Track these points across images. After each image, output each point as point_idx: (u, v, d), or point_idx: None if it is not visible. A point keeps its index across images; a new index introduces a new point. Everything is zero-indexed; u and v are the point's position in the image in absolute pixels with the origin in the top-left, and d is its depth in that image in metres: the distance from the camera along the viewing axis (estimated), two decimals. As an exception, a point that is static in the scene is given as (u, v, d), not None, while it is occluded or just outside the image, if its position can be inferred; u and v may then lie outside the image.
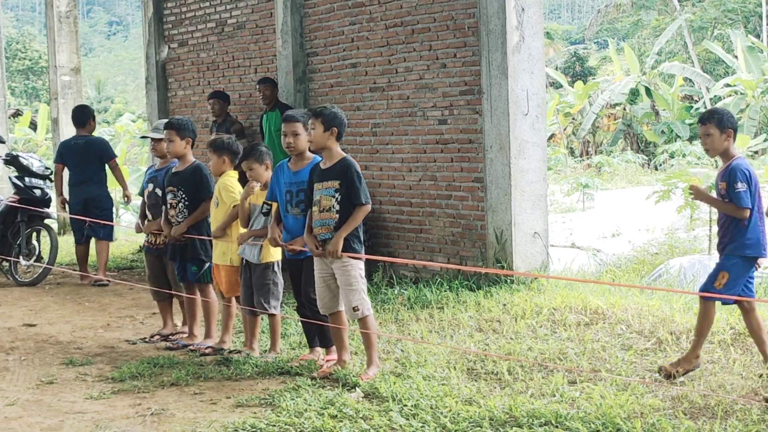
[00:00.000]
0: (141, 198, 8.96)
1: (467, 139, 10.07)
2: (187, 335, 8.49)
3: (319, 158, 7.21)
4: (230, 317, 8.20)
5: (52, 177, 12.48)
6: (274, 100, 12.16)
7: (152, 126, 8.92)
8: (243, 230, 7.79)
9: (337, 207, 6.88)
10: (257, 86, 12.36)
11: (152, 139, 8.97)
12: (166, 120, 9.22)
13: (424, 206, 10.63)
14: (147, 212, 8.74)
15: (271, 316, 7.77)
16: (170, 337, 8.63)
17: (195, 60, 14.25)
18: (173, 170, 8.41)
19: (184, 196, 8.24)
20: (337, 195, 6.88)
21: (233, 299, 8.15)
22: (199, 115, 13.76)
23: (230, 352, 7.86)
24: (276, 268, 7.73)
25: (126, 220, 21.36)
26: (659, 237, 13.56)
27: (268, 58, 12.84)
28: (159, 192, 8.58)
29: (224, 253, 8.01)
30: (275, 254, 7.69)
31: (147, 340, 8.65)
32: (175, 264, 8.46)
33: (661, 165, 33.50)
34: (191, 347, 8.18)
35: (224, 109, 12.69)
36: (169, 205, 8.31)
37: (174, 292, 8.64)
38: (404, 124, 10.82)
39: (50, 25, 17.49)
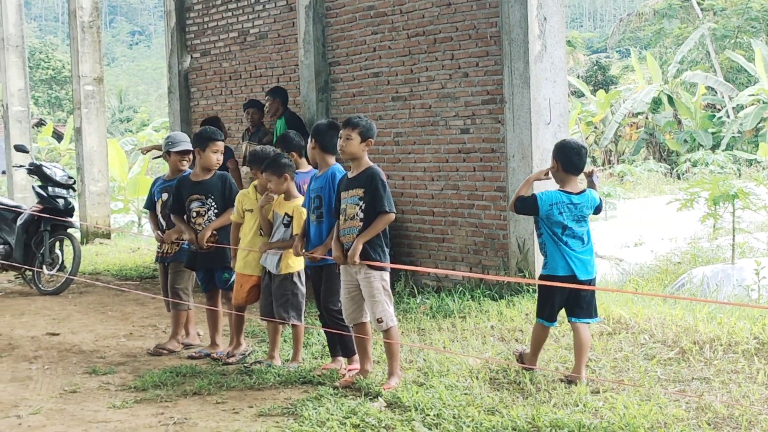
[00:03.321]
0: (150, 210, 8.91)
1: (489, 149, 10.05)
2: (210, 344, 8.51)
3: (336, 164, 7.28)
4: (241, 324, 8.26)
5: (75, 186, 12.50)
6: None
7: (169, 140, 8.76)
8: (264, 239, 7.81)
9: (361, 215, 6.88)
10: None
11: (171, 152, 8.67)
12: (181, 133, 9.24)
13: (447, 215, 10.61)
14: (162, 221, 8.74)
15: (294, 326, 7.77)
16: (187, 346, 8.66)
17: (217, 69, 14.30)
18: (198, 179, 8.41)
19: (213, 204, 8.27)
20: (361, 203, 6.89)
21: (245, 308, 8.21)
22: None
23: (253, 363, 7.86)
24: (296, 279, 7.72)
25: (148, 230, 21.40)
26: (682, 246, 13.50)
27: (290, 68, 12.87)
28: None
29: (248, 263, 8.03)
30: (295, 265, 7.69)
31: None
32: (199, 274, 8.49)
33: (683, 174, 33.37)
34: (213, 356, 8.19)
35: (261, 118, 12.73)
36: (195, 213, 8.32)
37: (177, 300, 8.63)
38: (426, 133, 10.82)
39: (73, 35, 17.62)
